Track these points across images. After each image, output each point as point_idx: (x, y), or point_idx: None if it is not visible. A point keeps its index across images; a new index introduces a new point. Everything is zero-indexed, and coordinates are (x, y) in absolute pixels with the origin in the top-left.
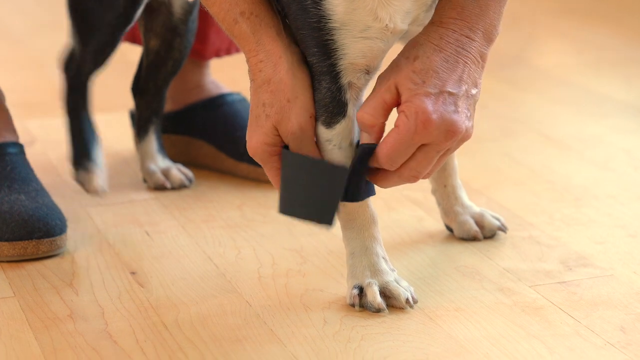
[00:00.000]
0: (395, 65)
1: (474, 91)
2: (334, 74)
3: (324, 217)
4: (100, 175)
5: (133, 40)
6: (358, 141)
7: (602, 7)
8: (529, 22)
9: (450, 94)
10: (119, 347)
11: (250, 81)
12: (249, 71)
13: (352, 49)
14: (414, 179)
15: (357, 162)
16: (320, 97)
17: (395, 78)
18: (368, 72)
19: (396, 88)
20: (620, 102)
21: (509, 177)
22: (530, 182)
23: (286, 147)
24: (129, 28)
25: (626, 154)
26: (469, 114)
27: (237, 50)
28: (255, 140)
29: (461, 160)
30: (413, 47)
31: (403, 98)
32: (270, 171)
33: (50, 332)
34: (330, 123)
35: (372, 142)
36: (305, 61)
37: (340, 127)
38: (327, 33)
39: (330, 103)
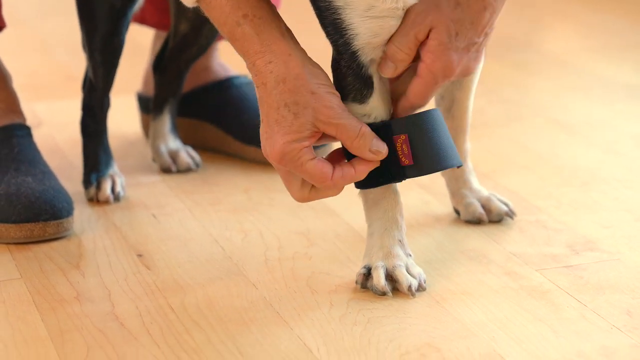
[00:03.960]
0: (434, 4)
1: (490, 31)
2: (351, 53)
3: (456, 159)
4: (109, 184)
5: (142, 21)
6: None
7: None
8: (537, 6)
9: (474, 44)
10: (125, 329)
11: (257, 87)
12: (253, 76)
13: (362, 29)
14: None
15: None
16: (340, 78)
17: (432, 21)
18: None
19: (430, 30)
20: (628, 87)
21: (516, 161)
22: (538, 167)
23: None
24: (132, 13)
25: (633, 138)
26: (481, 54)
27: None
28: (283, 142)
29: None
30: None
31: (431, 47)
32: (303, 166)
33: (56, 313)
34: (362, 99)
35: (397, 74)
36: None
37: (373, 101)
38: (334, 12)
39: (353, 81)
